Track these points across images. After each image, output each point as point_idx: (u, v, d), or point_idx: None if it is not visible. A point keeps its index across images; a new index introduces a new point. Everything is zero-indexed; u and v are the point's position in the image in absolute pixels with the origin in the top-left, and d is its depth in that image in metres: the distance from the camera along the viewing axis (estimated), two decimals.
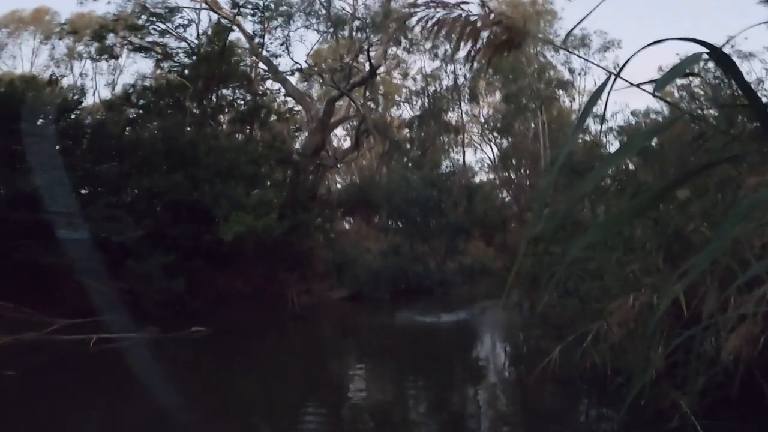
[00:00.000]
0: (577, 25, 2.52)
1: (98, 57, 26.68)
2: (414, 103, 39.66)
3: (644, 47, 1.86)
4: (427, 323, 15.28)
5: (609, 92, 1.63)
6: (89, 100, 25.63)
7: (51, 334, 13.02)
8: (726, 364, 4.31)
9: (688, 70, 1.90)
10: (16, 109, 15.81)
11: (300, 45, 46.21)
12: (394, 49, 30.94)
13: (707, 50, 1.81)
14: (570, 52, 37.68)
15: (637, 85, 1.89)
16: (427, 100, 37.92)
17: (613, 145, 28.47)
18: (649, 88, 1.88)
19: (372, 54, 25.21)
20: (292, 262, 21.55)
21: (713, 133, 5.86)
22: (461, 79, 37.63)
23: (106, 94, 34.19)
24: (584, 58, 38.66)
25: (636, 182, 7.92)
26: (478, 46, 2.37)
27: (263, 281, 20.49)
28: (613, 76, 1.64)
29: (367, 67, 25.34)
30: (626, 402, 3.58)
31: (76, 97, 18.97)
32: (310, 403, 8.12)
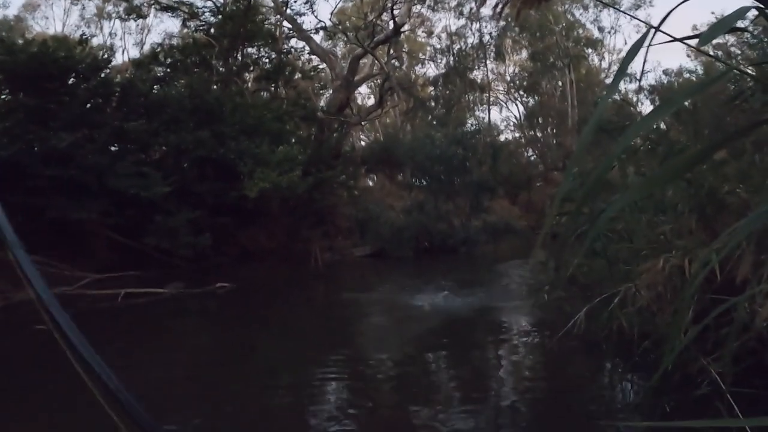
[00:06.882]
0: None
1: (127, 17, 27.12)
2: (439, 61, 39.22)
3: None
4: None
5: (648, 48, 1.54)
6: (118, 59, 25.92)
7: (81, 289, 13.27)
8: (760, 330, 4.23)
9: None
10: (49, 69, 15.94)
11: (324, 3, 45.79)
12: (419, 7, 30.46)
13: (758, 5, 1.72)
14: (619, 10, 36.25)
15: (680, 40, 1.79)
16: (451, 59, 37.42)
17: (644, 105, 27.94)
18: (684, 43, 1.79)
19: (396, 12, 24.82)
20: (315, 219, 21.63)
21: (752, 93, 5.67)
22: (487, 37, 37.04)
23: (134, 53, 34.47)
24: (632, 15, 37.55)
25: (668, 142, 7.70)
26: None
27: (287, 237, 20.63)
28: (652, 30, 1.55)
29: (392, 25, 24.97)
30: (659, 370, 3.51)
31: (105, 56, 19.03)
32: (329, 360, 8.16)
